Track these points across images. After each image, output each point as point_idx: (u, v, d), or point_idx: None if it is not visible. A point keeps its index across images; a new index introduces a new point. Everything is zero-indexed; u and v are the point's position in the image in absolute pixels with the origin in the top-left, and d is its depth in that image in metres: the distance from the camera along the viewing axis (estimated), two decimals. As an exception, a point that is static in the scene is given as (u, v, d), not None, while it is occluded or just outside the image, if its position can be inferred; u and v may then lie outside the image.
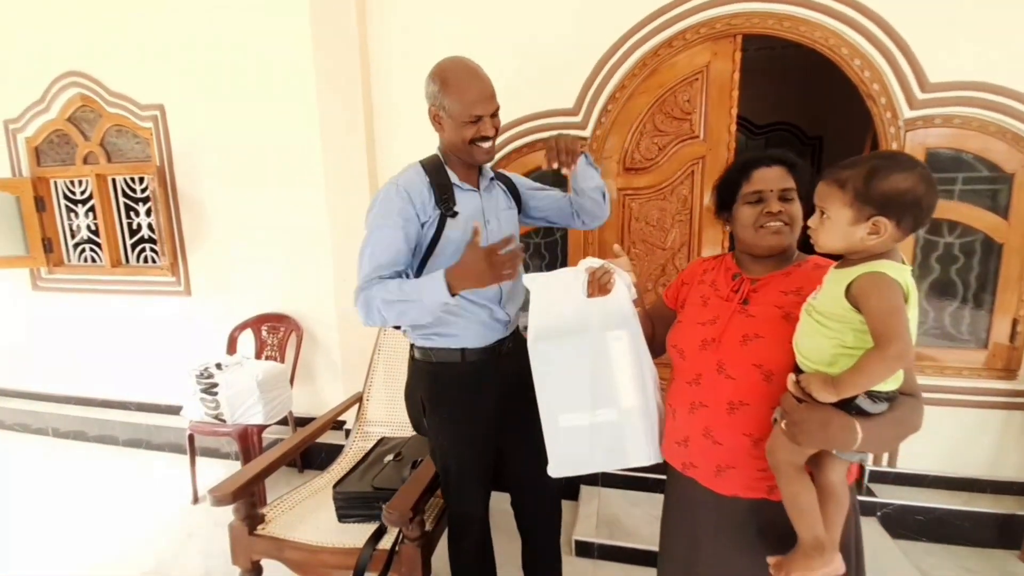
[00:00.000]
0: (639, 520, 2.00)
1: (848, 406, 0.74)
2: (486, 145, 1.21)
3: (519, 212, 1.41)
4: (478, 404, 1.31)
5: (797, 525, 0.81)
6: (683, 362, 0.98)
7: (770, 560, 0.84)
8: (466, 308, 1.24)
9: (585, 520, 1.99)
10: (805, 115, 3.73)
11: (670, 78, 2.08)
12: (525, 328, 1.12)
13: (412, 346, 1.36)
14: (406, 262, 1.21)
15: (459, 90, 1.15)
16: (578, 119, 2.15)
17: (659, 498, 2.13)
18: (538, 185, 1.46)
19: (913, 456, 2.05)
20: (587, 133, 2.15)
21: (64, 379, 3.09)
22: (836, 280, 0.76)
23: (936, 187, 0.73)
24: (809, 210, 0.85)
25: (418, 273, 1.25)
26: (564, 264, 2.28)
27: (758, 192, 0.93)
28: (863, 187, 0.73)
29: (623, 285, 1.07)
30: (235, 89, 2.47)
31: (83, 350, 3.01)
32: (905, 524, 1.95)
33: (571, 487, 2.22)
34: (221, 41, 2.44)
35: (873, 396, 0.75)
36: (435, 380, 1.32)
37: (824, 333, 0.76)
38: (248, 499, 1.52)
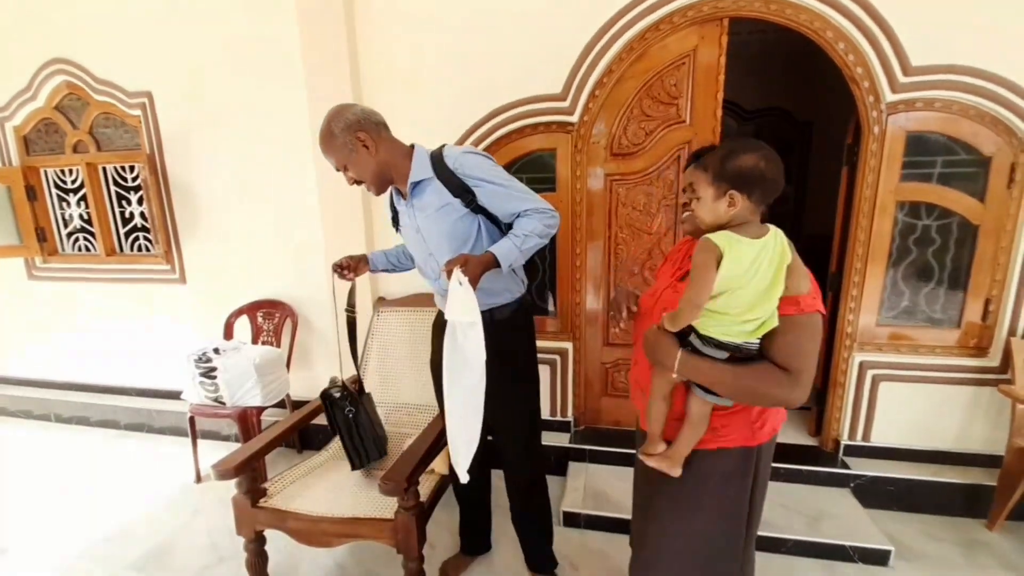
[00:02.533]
0: (624, 493, 2.07)
1: (684, 343, 0.96)
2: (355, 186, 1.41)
3: (469, 199, 1.33)
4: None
5: (648, 424, 1.07)
6: (638, 320, 1.16)
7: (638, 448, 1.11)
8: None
9: (573, 493, 2.09)
10: (795, 100, 3.72)
11: (657, 62, 2.09)
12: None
13: (440, 313, 1.46)
14: None
15: (375, 121, 1.39)
16: (566, 104, 2.16)
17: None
18: (490, 178, 1.33)
19: (886, 430, 2.14)
20: (575, 119, 2.16)
21: (64, 366, 3.14)
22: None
23: (779, 164, 0.90)
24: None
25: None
26: (553, 248, 2.32)
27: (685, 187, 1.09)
28: (719, 167, 0.90)
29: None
30: (223, 75, 2.46)
31: (81, 337, 3.05)
32: (877, 494, 2.05)
33: (560, 464, 2.31)
34: (207, 26, 2.42)
35: (703, 339, 0.94)
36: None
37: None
38: (250, 474, 1.60)
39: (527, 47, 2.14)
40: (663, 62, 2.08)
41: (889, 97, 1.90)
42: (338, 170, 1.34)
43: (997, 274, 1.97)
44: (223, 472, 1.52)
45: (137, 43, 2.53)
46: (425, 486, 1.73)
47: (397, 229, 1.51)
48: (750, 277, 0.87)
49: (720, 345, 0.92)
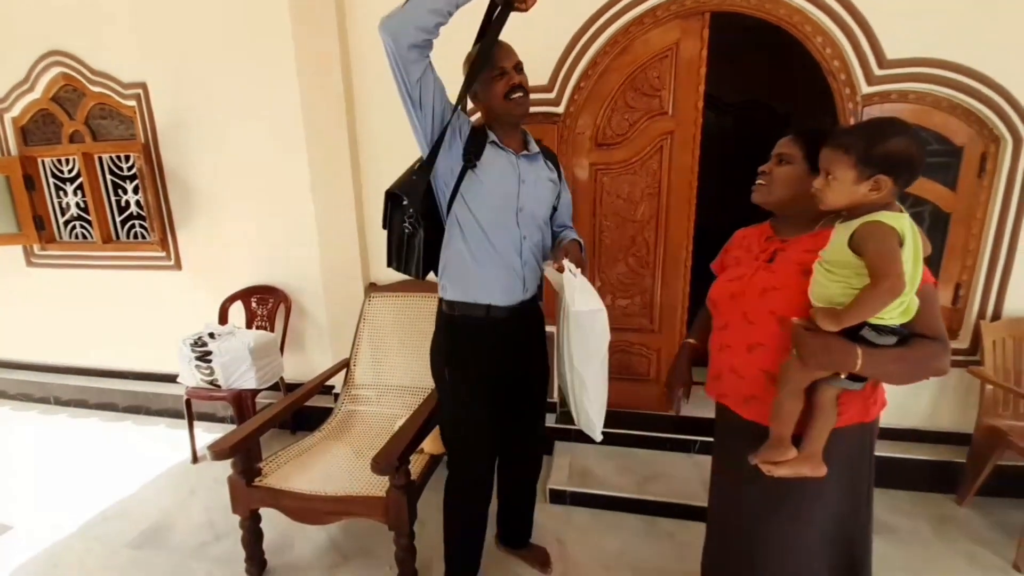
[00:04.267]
0: (610, 471, 2.17)
1: (855, 337, 0.88)
2: (517, 95, 1.29)
3: (558, 191, 1.47)
4: (499, 362, 1.39)
5: (773, 424, 0.98)
6: (716, 311, 1.15)
7: (750, 454, 1.02)
8: (491, 256, 1.32)
9: (559, 471, 2.16)
10: (774, 93, 3.78)
11: (641, 55, 2.14)
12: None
13: (441, 300, 1.42)
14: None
15: (492, 55, 1.29)
16: (552, 95, 2.21)
17: (628, 452, 2.31)
18: (568, 196, 1.56)
19: (862, 412, 2.21)
20: (560, 109, 2.22)
21: (63, 350, 3.20)
22: (840, 232, 0.89)
23: (924, 148, 0.85)
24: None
25: (448, 210, 1.34)
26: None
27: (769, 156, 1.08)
28: (866, 150, 0.84)
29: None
30: (217, 65, 2.50)
31: (79, 322, 3.11)
32: (851, 473, 2.13)
33: (547, 442, 2.38)
34: (201, 17, 2.46)
35: (878, 329, 0.87)
36: (460, 333, 1.38)
37: (833, 279, 0.89)
38: (245, 453, 1.65)
39: (514, 40, 2.18)
40: (646, 55, 2.13)
41: (865, 89, 1.97)
42: (517, 69, 1.34)
43: (967, 260, 2.04)
44: (219, 452, 1.57)
45: (131, 35, 2.57)
46: (416, 466, 1.80)
47: (469, 169, 1.31)
48: (919, 257, 0.85)
49: (892, 331, 0.88)
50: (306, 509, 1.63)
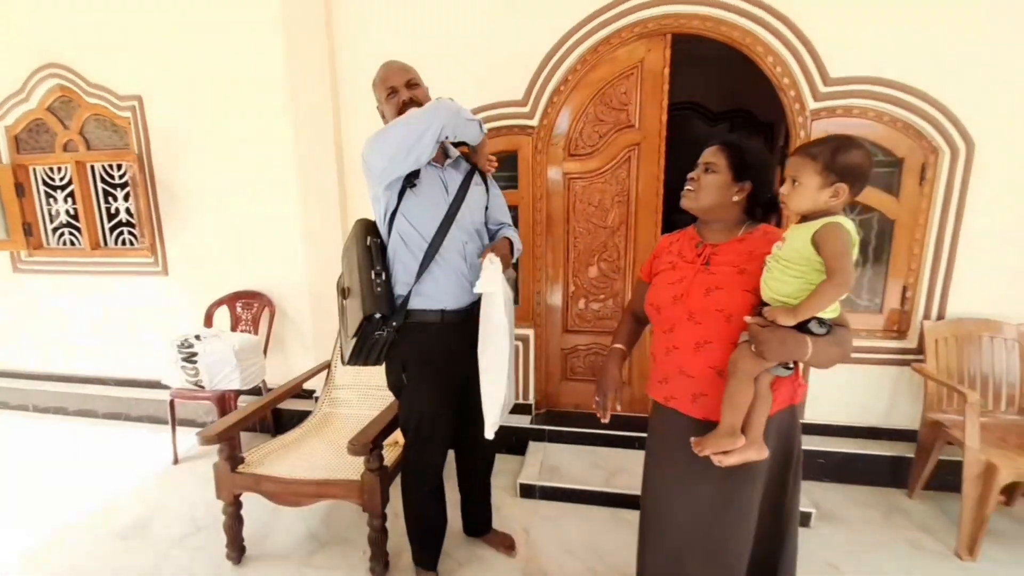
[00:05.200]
0: (578, 467, 2.24)
1: (803, 329, 0.97)
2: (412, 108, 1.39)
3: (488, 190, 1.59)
4: (452, 362, 1.48)
5: (724, 414, 1.05)
6: (659, 316, 1.20)
7: (693, 441, 1.08)
8: (438, 263, 1.42)
9: (530, 467, 2.22)
10: (757, 102, 3.97)
11: (609, 72, 2.30)
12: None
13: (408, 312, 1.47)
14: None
15: (378, 80, 1.46)
16: (526, 109, 2.35)
17: (598, 451, 2.38)
18: (498, 195, 1.64)
19: (820, 408, 2.32)
20: (534, 122, 2.36)
21: (45, 357, 3.22)
22: (800, 232, 0.98)
23: (873, 162, 0.96)
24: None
25: (388, 228, 1.45)
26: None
27: (696, 164, 1.17)
28: (831, 159, 0.94)
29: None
30: (210, 80, 2.62)
31: (63, 329, 3.14)
32: (810, 467, 2.22)
33: (520, 443, 2.45)
34: (197, 34, 2.59)
35: (819, 321, 0.98)
36: (416, 339, 1.45)
37: (791, 273, 0.98)
38: (230, 442, 1.73)
39: (492, 59, 2.34)
40: (614, 72, 2.29)
41: (812, 105, 2.13)
42: (409, 86, 1.43)
43: (912, 264, 2.18)
44: (208, 438, 1.65)
45: (129, 49, 2.69)
46: (389, 454, 1.86)
47: (408, 188, 1.41)
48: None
49: (827, 324, 0.99)
50: (286, 492, 1.71)
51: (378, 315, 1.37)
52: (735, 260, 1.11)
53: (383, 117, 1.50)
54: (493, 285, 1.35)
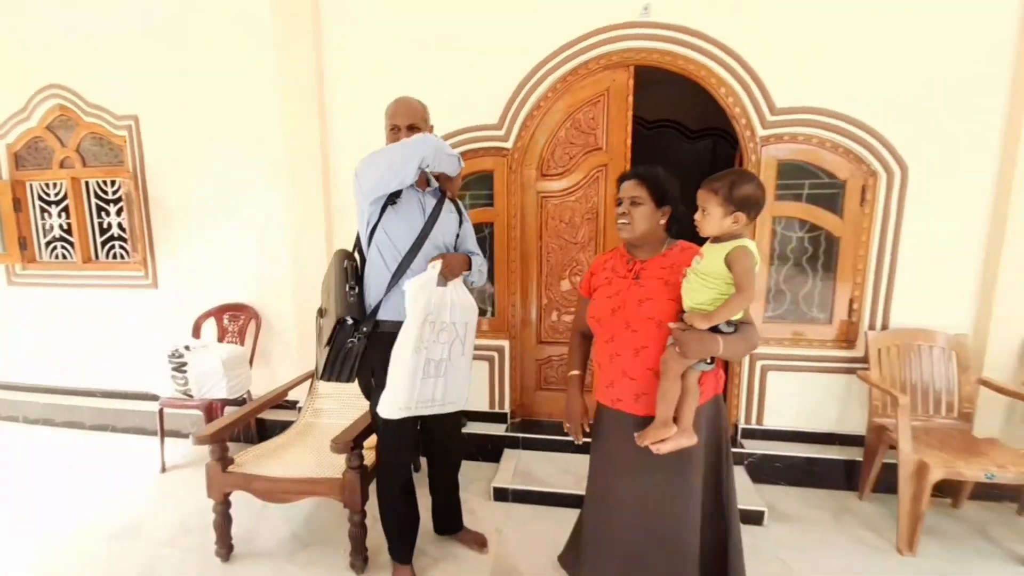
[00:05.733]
0: (550, 472, 2.34)
1: (715, 330, 1.15)
2: None
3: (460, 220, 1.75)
4: None
5: (659, 408, 1.21)
6: (600, 326, 1.34)
7: (636, 435, 1.24)
8: (410, 276, 1.55)
9: (503, 473, 2.33)
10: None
11: (578, 99, 2.48)
12: None
13: (377, 322, 1.59)
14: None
15: (388, 112, 1.65)
16: (501, 132, 2.52)
17: (570, 457, 2.50)
18: (469, 227, 1.81)
19: (777, 415, 2.45)
20: (509, 145, 2.53)
21: (36, 369, 3.29)
22: (715, 252, 1.15)
23: (765, 193, 1.15)
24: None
25: (368, 240, 1.60)
26: (491, 255, 2.63)
27: (618, 199, 1.34)
28: (729, 193, 1.13)
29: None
30: (203, 102, 2.77)
31: (55, 341, 3.22)
32: (766, 471, 2.35)
33: (496, 450, 2.56)
34: (191, 57, 2.75)
35: (728, 323, 1.16)
36: (385, 348, 1.54)
37: (707, 286, 1.15)
38: (221, 444, 1.84)
39: (469, 87, 2.51)
40: (582, 99, 2.47)
41: (761, 132, 2.32)
42: (410, 128, 1.60)
43: (857, 278, 2.35)
44: (201, 439, 1.78)
45: (127, 71, 2.84)
46: (368, 456, 1.96)
47: (390, 205, 1.57)
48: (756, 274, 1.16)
49: (734, 324, 1.18)
50: (275, 490, 1.83)
51: (350, 320, 1.49)
52: (660, 274, 1.28)
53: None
54: (416, 285, 1.49)
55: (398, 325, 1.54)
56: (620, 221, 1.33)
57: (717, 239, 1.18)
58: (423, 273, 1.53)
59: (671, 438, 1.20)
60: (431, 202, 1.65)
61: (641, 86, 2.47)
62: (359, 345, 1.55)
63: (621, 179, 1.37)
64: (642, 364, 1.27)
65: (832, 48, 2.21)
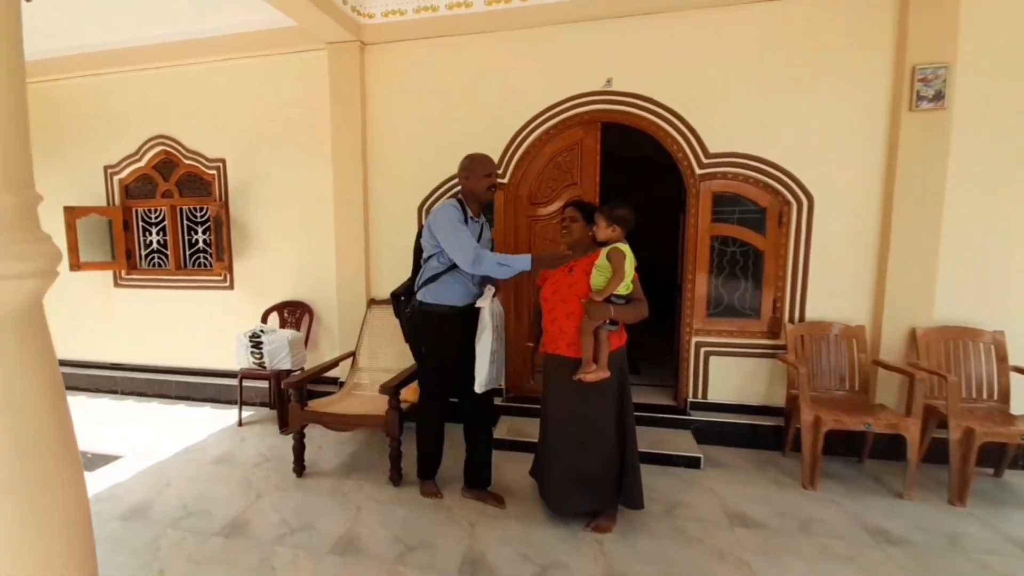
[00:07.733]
0: (533, 431, 2.98)
1: (609, 301, 1.87)
2: (493, 190, 2.30)
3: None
4: (453, 340, 2.27)
5: (584, 352, 1.96)
6: (546, 304, 2.11)
7: (574, 376, 1.94)
8: (459, 278, 2.22)
9: (500, 429, 3.00)
10: None
11: (558, 147, 3.24)
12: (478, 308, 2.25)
13: (420, 303, 2.27)
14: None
15: (478, 162, 2.27)
16: (500, 171, 3.29)
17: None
18: (489, 234, 2.43)
19: (718, 391, 3.07)
20: (506, 180, 3.29)
21: (133, 352, 4.13)
22: (603, 252, 1.91)
23: (634, 214, 1.95)
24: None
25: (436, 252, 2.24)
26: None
27: (562, 218, 2.11)
28: (610, 213, 1.94)
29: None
30: (275, 146, 3.64)
31: (150, 331, 4.06)
32: (709, 434, 2.96)
33: (496, 416, 3.22)
34: (266, 114, 3.63)
35: (617, 296, 1.91)
36: (436, 322, 2.24)
37: (600, 274, 1.94)
38: (300, 389, 2.59)
39: (474, 139, 3.31)
40: (562, 147, 3.24)
41: (699, 171, 3.03)
42: (498, 177, 2.32)
43: (778, 283, 2.99)
44: (290, 384, 2.56)
45: (217, 124, 3.74)
46: (404, 401, 2.66)
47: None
48: (632, 265, 1.91)
49: (623, 298, 1.93)
50: (338, 422, 2.59)
51: (401, 296, 2.34)
52: (585, 268, 2.01)
53: (464, 179, 2.26)
54: (484, 302, 2.21)
55: (440, 308, 2.23)
56: (563, 231, 2.09)
57: (603, 243, 1.92)
58: (487, 294, 2.21)
59: (593, 371, 1.91)
60: (476, 228, 2.27)
61: (620, 131, 3.21)
62: (407, 313, 2.33)
63: (565, 206, 2.13)
64: (571, 325, 2.00)
65: (750, 110, 2.93)
